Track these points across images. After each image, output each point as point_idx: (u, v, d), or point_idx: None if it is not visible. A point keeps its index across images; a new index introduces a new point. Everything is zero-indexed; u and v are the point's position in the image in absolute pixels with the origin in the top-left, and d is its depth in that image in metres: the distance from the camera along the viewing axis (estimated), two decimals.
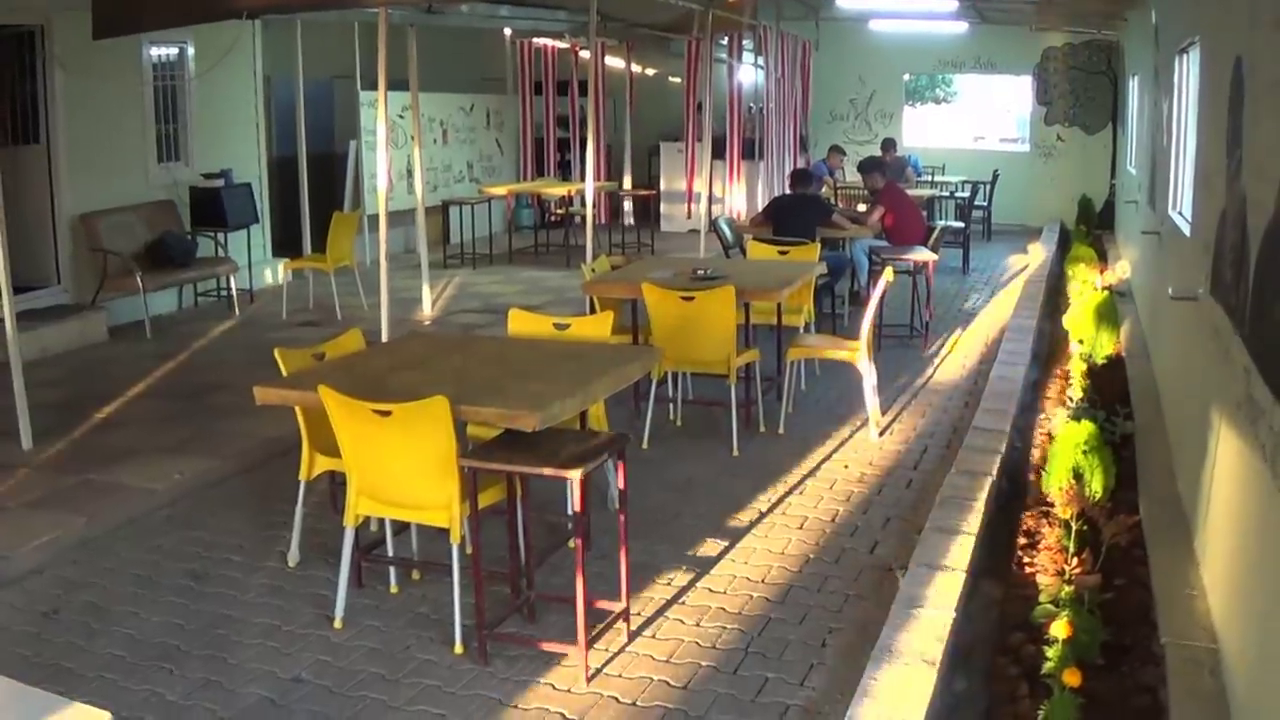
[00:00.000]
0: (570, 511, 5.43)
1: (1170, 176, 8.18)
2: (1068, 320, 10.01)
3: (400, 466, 4.82)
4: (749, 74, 17.41)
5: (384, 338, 8.57)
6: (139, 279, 10.71)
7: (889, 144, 17.36)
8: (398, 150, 14.84)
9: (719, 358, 7.35)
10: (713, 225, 12.79)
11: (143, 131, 11.73)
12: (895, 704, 4.06)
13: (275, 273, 13.15)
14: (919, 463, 7.27)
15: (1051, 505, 6.11)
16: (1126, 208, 14.55)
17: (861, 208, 12.75)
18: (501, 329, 6.97)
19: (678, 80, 17.56)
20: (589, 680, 4.56)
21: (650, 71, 19.55)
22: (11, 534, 5.88)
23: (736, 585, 5.44)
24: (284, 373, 5.44)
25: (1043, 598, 5.03)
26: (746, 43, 16.77)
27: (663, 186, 18.80)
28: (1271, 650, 3.53)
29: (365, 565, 5.45)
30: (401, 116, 14.41)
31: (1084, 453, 5.97)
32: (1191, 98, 7.23)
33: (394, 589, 5.39)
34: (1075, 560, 5.17)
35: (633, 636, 4.93)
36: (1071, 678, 4.21)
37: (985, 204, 17.86)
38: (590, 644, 4.67)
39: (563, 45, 17.22)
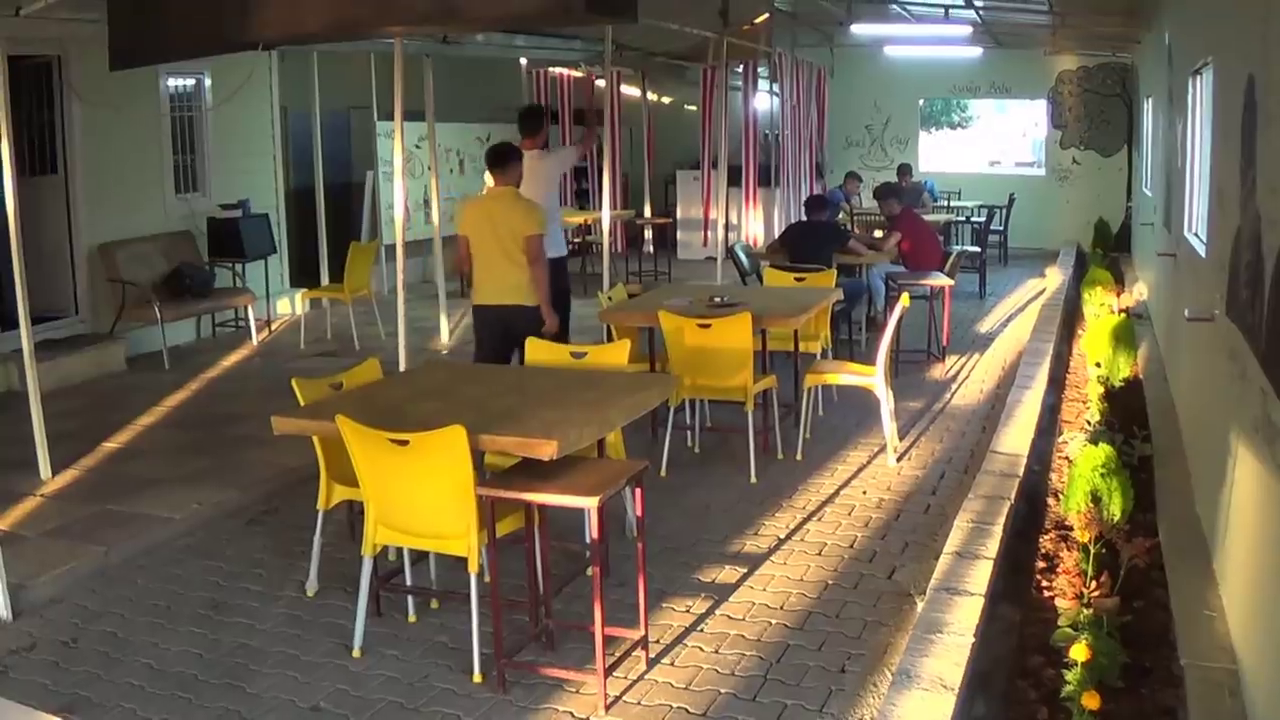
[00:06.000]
0: (588, 539, 5.43)
1: (1185, 197, 8.17)
2: (1085, 343, 10.00)
3: (418, 496, 4.83)
4: (764, 101, 17.45)
5: (402, 367, 8.58)
6: (157, 309, 10.77)
7: (905, 169, 17.39)
8: (415, 180, 14.90)
9: (736, 384, 7.35)
10: (729, 253, 12.81)
11: (160, 162, 11.83)
12: None
13: (293, 303, 13.22)
14: (937, 487, 7.25)
15: (1070, 528, 6.09)
16: (1142, 230, 14.53)
17: (878, 234, 12.77)
18: (518, 358, 6.99)
19: (693, 108, 17.60)
20: (608, 708, 4.55)
21: (666, 100, 19.61)
22: (30, 563, 5.90)
23: (755, 612, 5.43)
24: (301, 403, 5.47)
25: (1062, 621, 5.01)
26: (762, 70, 16.81)
27: (679, 214, 18.83)
28: None
29: (383, 594, 5.46)
30: (418, 147, 14.47)
31: (1102, 475, 5.95)
32: (1205, 118, 7.23)
33: (412, 618, 5.39)
34: (1094, 583, 5.16)
35: (651, 664, 4.92)
36: (1091, 701, 4.19)
37: (1001, 228, 17.84)
38: (609, 672, 4.66)
39: (578, 74, 17.28)
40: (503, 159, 7.80)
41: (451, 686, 4.76)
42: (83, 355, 10.32)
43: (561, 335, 8.07)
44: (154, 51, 7.67)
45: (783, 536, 6.40)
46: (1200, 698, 4.37)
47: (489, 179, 8.03)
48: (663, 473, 7.42)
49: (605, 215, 11.28)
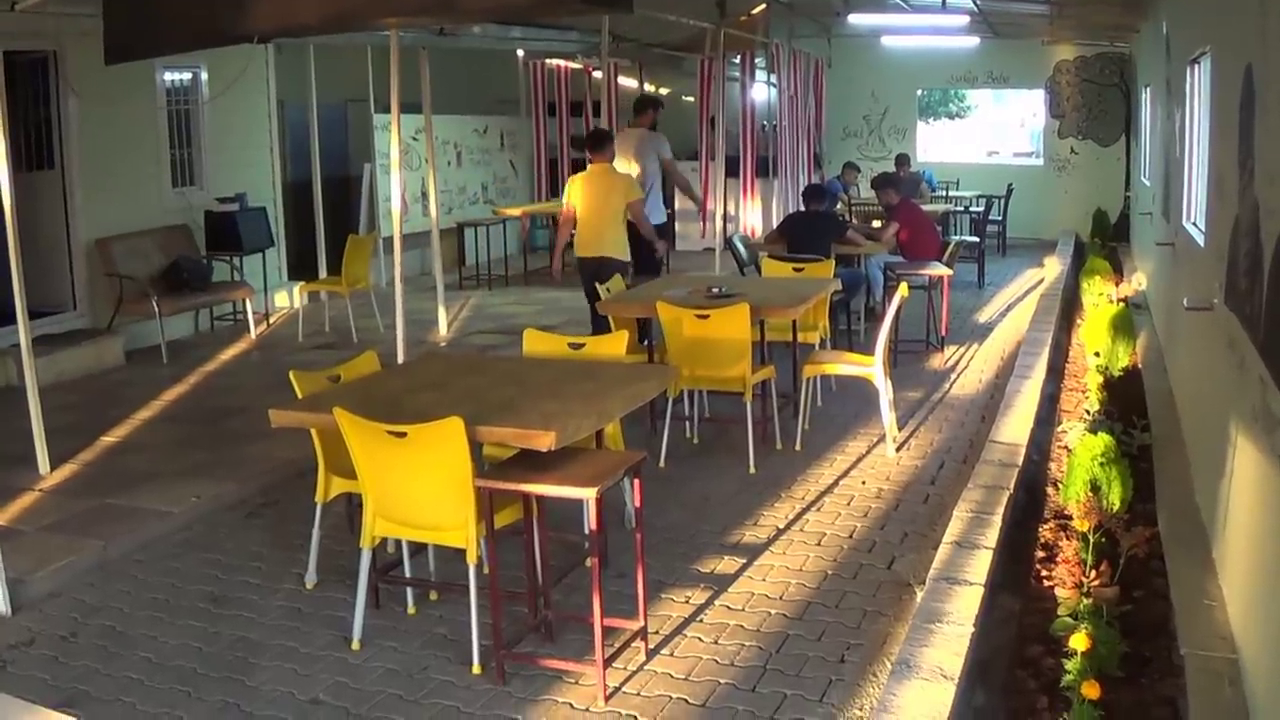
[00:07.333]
0: (587, 530, 5.43)
1: (1184, 187, 8.16)
2: (1084, 333, 9.99)
3: (416, 488, 4.82)
4: (762, 92, 17.42)
5: (400, 359, 8.59)
6: (154, 303, 10.76)
7: (903, 160, 17.35)
8: (412, 173, 14.89)
9: (735, 375, 7.35)
10: (727, 243, 12.79)
11: (157, 156, 11.80)
12: (915, 719, 4.04)
13: (291, 296, 13.20)
14: (936, 477, 7.25)
15: (1069, 518, 6.09)
16: (1141, 219, 14.52)
17: (876, 224, 12.75)
18: (517, 349, 6.97)
19: (691, 99, 17.57)
20: (607, 699, 4.55)
21: (663, 91, 19.56)
22: (29, 558, 5.90)
23: (754, 602, 5.43)
24: (299, 395, 5.46)
25: (1061, 610, 5.01)
26: (759, 61, 16.79)
27: (677, 205, 18.77)
28: None
29: (382, 586, 5.46)
30: (416, 139, 14.46)
31: (1101, 465, 5.95)
32: (1203, 108, 7.22)
33: (411, 610, 5.39)
34: (1093, 572, 5.15)
35: (651, 655, 4.92)
36: (1091, 690, 4.19)
37: (1000, 218, 17.82)
38: (608, 663, 4.66)
39: (575, 66, 17.25)
40: (601, 141, 9.82)
41: (451, 678, 4.76)
42: (81, 350, 10.30)
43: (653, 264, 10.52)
44: (149, 45, 7.64)
45: (782, 527, 6.40)
46: (1200, 687, 4.37)
47: (589, 156, 9.78)
48: (661, 463, 7.41)
49: None
